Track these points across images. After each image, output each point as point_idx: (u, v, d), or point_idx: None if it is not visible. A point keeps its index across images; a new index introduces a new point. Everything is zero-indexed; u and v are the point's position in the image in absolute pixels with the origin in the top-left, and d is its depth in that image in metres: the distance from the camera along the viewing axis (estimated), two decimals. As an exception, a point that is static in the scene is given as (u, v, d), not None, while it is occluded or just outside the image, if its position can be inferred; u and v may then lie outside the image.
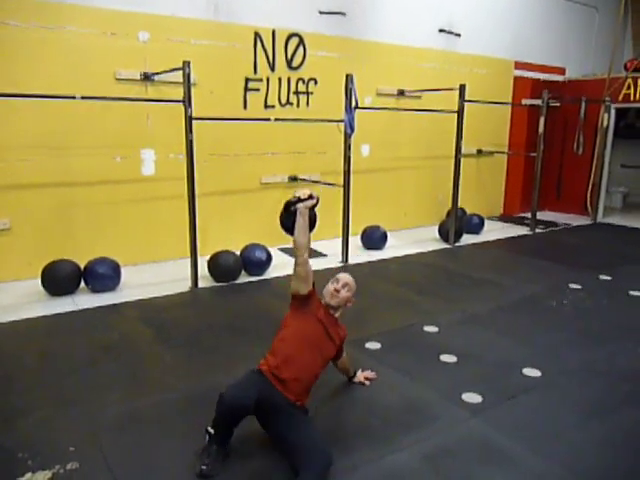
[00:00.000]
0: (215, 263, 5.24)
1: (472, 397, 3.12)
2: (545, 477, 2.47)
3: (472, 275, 5.69)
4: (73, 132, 5.24)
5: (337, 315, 2.91)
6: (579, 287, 5.29)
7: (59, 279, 4.75)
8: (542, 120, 7.66)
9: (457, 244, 7.12)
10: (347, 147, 5.79)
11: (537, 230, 8.09)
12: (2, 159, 4.95)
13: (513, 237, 7.72)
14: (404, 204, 8.07)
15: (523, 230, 8.12)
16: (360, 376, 3.26)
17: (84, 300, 4.70)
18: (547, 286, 5.31)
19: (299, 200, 2.68)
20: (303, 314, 2.74)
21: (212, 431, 2.43)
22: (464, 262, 6.38)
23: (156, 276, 5.42)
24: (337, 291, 2.84)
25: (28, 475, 2.39)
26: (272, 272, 5.59)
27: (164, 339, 3.92)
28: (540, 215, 8.62)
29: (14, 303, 4.60)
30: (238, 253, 5.44)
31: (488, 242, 7.33)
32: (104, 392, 3.13)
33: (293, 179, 6.74)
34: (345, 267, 5.96)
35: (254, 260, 5.42)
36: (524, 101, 8.92)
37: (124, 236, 5.68)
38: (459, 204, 7.12)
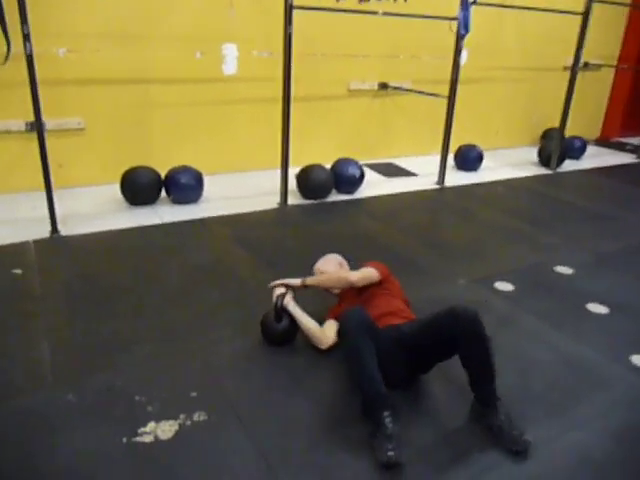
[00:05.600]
0: (306, 178, 4.71)
1: (645, 361, 2.63)
2: None
3: (586, 207, 5.02)
4: (149, 19, 4.59)
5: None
6: None
7: (140, 187, 4.32)
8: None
9: (559, 170, 6.37)
10: (458, 51, 4.99)
11: (644, 158, 7.21)
12: (74, 48, 4.38)
13: (619, 165, 6.89)
14: (496, 121, 7.24)
15: (627, 157, 7.26)
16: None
17: (166, 212, 4.28)
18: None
19: (277, 301, 2.57)
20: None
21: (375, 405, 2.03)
22: (572, 191, 5.68)
23: (239, 188, 4.95)
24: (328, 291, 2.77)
25: (151, 425, 2.05)
26: (363, 191, 5.05)
27: (263, 263, 3.49)
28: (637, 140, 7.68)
29: (95, 212, 4.22)
30: (328, 168, 4.89)
31: (594, 169, 6.55)
32: (212, 325, 2.75)
33: (383, 86, 5.99)
34: (441, 189, 5.37)
35: (347, 177, 4.87)
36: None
37: (203, 142, 5.16)
38: (554, 125, 6.27)
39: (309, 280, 2.61)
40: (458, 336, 2.06)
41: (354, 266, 2.78)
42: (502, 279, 3.42)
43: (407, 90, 5.85)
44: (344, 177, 4.86)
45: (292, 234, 4.05)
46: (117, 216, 4.14)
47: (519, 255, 3.86)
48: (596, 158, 7.10)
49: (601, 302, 3.19)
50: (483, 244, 4.03)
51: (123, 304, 2.91)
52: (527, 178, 5.99)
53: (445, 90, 5.11)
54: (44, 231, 3.73)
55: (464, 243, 4.05)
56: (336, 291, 2.71)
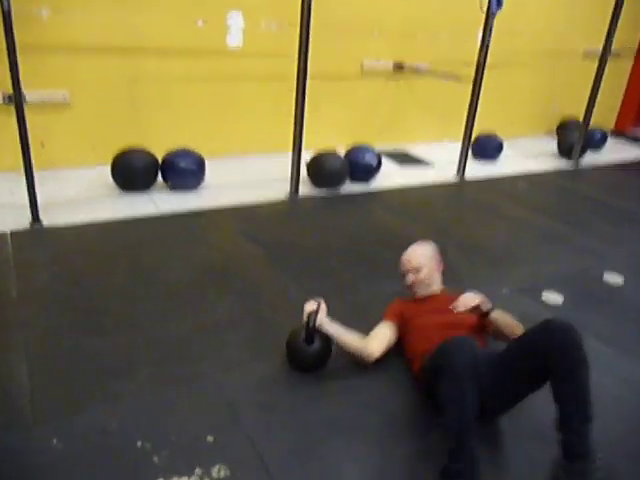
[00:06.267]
0: (318, 166, 4.25)
1: None
2: None
3: (621, 206, 4.63)
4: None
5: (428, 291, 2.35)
6: None
7: (134, 172, 3.83)
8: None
9: (581, 162, 5.98)
10: (488, 30, 4.53)
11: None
12: (59, 8, 3.83)
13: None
14: (513, 109, 6.80)
15: (646, 151, 6.89)
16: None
17: (163, 200, 3.80)
18: None
19: (310, 320, 2.10)
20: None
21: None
22: (600, 187, 5.28)
23: (244, 174, 4.48)
24: (409, 286, 2.35)
25: (159, 483, 1.62)
26: (378, 181, 4.60)
27: (277, 263, 3.05)
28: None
29: (81, 198, 3.72)
30: (342, 155, 4.43)
31: (617, 164, 6.16)
32: (223, 341, 2.30)
33: (399, 67, 5.50)
34: (462, 182, 4.95)
35: (363, 165, 4.42)
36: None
37: (205, 122, 4.64)
38: (571, 114, 5.87)
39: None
40: (552, 355, 1.67)
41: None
42: (549, 288, 3.02)
43: (427, 72, 5.38)
44: (360, 166, 4.40)
45: (306, 229, 3.59)
46: (107, 204, 3.65)
47: (559, 259, 3.46)
48: (616, 151, 6.71)
49: (665, 319, 2.81)
50: (518, 246, 3.63)
51: (115, 313, 2.44)
52: (550, 172, 5.58)
53: (463, 72, 4.66)
54: (23, 220, 3.23)
55: (497, 244, 3.64)
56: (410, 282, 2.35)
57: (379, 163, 4.49)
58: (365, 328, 2.23)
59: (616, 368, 2.37)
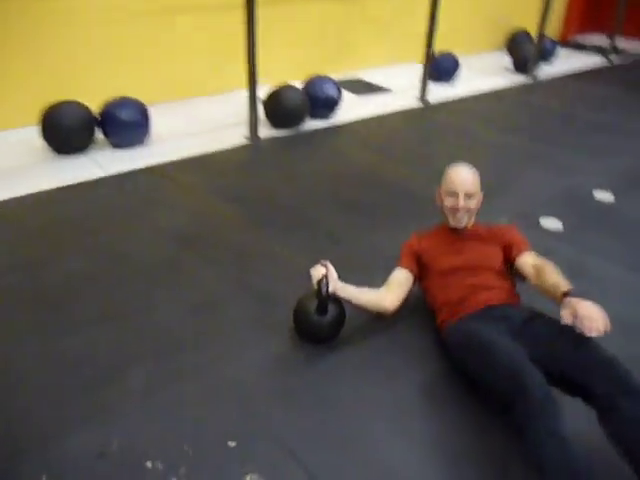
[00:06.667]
0: (277, 102, 3.83)
1: None
2: None
3: (589, 117, 4.51)
4: None
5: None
6: None
7: (67, 130, 3.30)
8: None
9: (537, 76, 5.80)
10: None
11: (616, 61, 6.74)
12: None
13: (596, 69, 6.40)
14: (461, 26, 6.45)
15: (595, 59, 6.77)
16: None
17: (108, 160, 3.32)
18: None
19: (322, 288, 1.80)
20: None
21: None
22: (563, 98, 5.13)
23: (195, 120, 4.02)
24: (456, 209, 1.92)
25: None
26: (339, 114, 4.24)
27: (256, 220, 2.72)
28: (599, 41, 7.21)
29: (12, 166, 3.19)
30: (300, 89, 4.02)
31: (572, 74, 6.02)
32: (220, 321, 2.00)
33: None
34: (427, 107, 4.66)
35: (324, 99, 4.04)
36: None
37: (144, 64, 4.09)
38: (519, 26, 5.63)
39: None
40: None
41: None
42: (544, 213, 2.86)
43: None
44: (320, 99, 4.02)
45: (277, 177, 3.24)
46: (42, 170, 3.15)
47: (547, 180, 3.30)
48: (566, 61, 6.57)
49: (666, 233, 2.72)
50: (503, 170, 3.43)
51: (84, 303, 2.07)
52: (511, 88, 5.37)
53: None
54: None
55: (482, 171, 3.39)
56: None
57: (339, 92, 4.12)
58: (369, 283, 1.96)
59: (632, 287, 2.26)
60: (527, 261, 1.84)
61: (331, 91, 4.04)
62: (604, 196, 3.11)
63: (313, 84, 4.04)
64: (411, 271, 1.97)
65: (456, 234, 1.97)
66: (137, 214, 2.70)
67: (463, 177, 1.94)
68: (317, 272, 1.85)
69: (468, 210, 1.92)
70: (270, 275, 2.26)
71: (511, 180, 3.29)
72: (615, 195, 3.11)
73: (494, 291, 1.79)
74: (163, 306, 2.05)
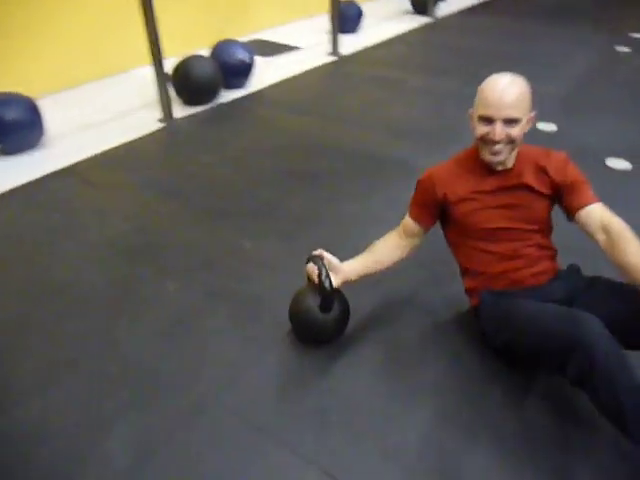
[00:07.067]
0: (185, 77, 3.38)
1: None
2: None
3: (509, 50, 4.51)
4: None
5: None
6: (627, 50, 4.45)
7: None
8: None
9: (438, 15, 5.73)
10: None
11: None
12: None
13: (484, 2, 6.45)
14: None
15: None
16: None
17: (0, 172, 2.77)
18: (596, 53, 4.37)
19: (324, 282, 1.52)
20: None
21: None
22: (473, 35, 5.14)
23: (96, 109, 3.48)
24: (491, 140, 1.41)
25: None
26: (253, 82, 3.88)
27: (205, 215, 2.35)
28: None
29: None
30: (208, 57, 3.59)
31: (471, 8, 6.04)
32: (209, 341, 1.67)
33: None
34: (341, 60, 4.39)
35: (236, 65, 3.64)
36: None
37: (27, 51, 3.44)
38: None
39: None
40: None
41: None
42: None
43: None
44: (233, 66, 3.62)
45: (210, 161, 2.85)
46: None
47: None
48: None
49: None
50: (453, 120, 3.22)
51: (26, 360, 1.65)
52: (418, 29, 5.25)
53: None
54: None
55: (432, 125, 3.21)
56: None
57: (252, 57, 3.74)
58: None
59: None
60: (595, 219, 1.41)
61: (242, 55, 3.65)
62: (547, 127, 3.07)
63: (221, 50, 3.63)
64: (422, 224, 1.60)
65: (494, 175, 1.50)
66: (60, 230, 2.24)
67: (501, 94, 1.37)
68: (312, 267, 1.57)
69: (510, 141, 1.40)
70: (246, 278, 1.95)
71: (463, 130, 3.14)
72: (557, 126, 3.08)
73: (540, 265, 1.50)
74: (127, 340, 1.68)
